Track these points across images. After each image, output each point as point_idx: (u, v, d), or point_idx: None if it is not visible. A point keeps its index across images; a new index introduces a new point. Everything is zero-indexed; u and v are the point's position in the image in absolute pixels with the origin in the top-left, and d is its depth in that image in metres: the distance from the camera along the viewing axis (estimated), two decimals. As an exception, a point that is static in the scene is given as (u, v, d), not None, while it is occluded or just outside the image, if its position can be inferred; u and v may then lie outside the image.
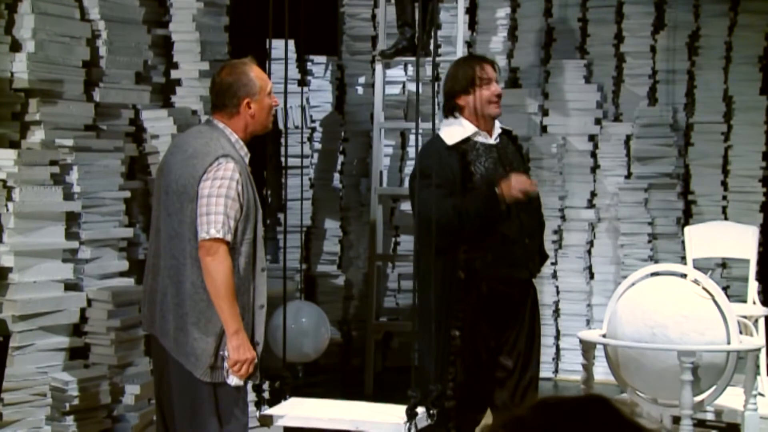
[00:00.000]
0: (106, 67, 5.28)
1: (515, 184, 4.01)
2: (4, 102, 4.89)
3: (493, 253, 4.04)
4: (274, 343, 5.74)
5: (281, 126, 6.91)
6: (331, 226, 7.15)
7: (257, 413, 3.84)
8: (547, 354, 6.79)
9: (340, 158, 7.21)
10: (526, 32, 7.14)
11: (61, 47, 5.03)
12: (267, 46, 6.87)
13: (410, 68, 7.03)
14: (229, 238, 3.51)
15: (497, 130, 4.20)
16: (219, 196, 3.51)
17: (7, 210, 4.70)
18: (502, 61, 7.10)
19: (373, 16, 7.10)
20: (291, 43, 6.41)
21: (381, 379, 6.50)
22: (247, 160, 3.68)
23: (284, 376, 4.04)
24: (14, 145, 4.90)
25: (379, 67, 6.53)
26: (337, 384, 6.56)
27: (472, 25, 7.19)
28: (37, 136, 4.96)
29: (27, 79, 4.88)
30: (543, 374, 6.78)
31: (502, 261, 4.06)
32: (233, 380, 3.53)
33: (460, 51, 6.46)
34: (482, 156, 4.11)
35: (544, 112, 7.05)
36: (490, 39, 7.14)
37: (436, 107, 6.56)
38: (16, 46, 4.92)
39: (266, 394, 4.04)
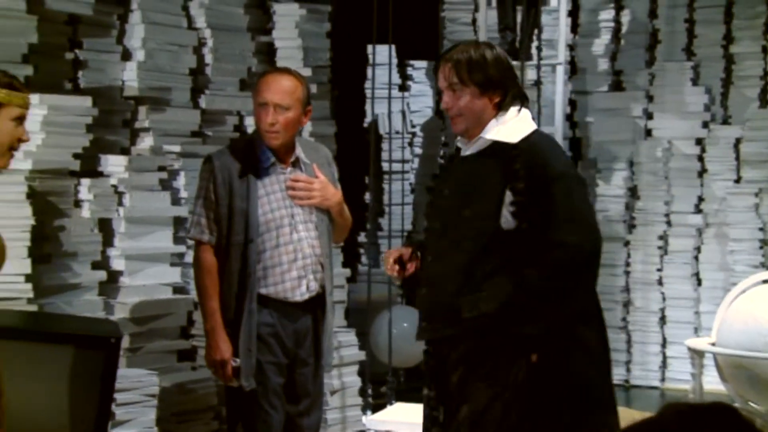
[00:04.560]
0: (211, 74, 5.37)
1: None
2: (115, 110, 5.02)
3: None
4: (377, 348, 5.75)
5: (382, 131, 6.94)
6: (432, 231, 7.13)
7: (363, 417, 3.85)
8: (653, 363, 6.68)
9: (441, 162, 7.20)
10: (631, 34, 7.02)
11: (169, 55, 5.14)
12: (368, 52, 6.95)
13: (511, 72, 6.97)
14: (202, 237, 3.72)
15: (479, 142, 3.11)
16: (195, 197, 3.80)
17: (118, 215, 4.81)
18: (605, 63, 7.00)
19: (474, 21, 7.08)
20: (392, 48, 6.44)
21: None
22: (267, 164, 3.76)
23: (389, 381, 4.06)
24: (125, 151, 5.03)
25: (480, 71, 6.49)
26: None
27: (575, 27, 7.11)
28: (146, 142, 5.08)
29: (137, 87, 5.00)
30: (650, 383, 6.69)
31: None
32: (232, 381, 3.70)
33: (562, 54, 6.40)
34: (447, 173, 3.31)
35: (649, 116, 6.93)
36: (592, 42, 7.05)
37: (540, 110, 6.51)
38: (126, 56, 5.04)
39: (371, 399, 4.05)
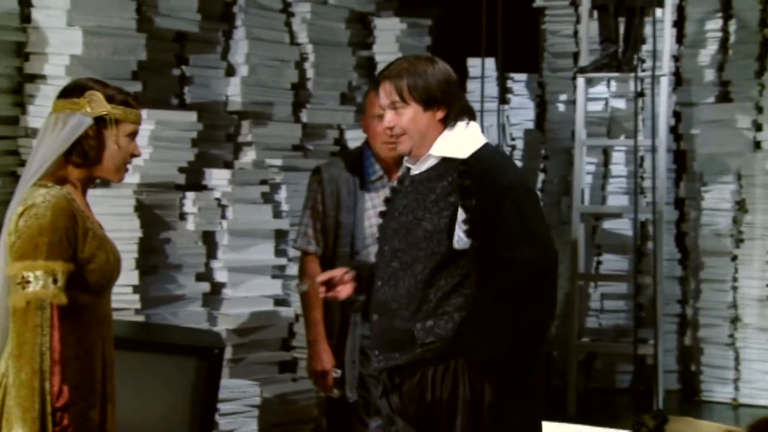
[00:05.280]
0: (312, 88, 5.44)
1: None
2: (219, 124, 5.12)
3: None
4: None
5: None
6: (532, 244, 7.07)
7: None
8: (762, 381, 6.47)
9: (541, 176, 7.13)
10: (740, 44, 6.84)
11: (272, 71, 5.22)
12: (468, 65, 6.94)
13: (613, 84, 6.88)
14: (309, 248, 3.78)
15: (427, 161, 2.97)
16: (303, 208, 3.87)
17: (222, 227, 4.90)
18: (711, 74, 6.84)
19: (576, 33, 7.00)
20: (491, 61, 6.42)
21: (584, 400, 6.37)
22: (373, 177, 3.80)
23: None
24: (228, 165, 5.12)
25: (580, 83, 6.43)
26: (537, 404, 6.47)
27: (680, 38, 6.97)
28: (248, 156, 5.16)
29: (240, 102, 5.10)
30: (758, 401, 6.48)
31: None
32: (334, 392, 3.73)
33: (666, 66, 6.28)
34: (398, 196, 3.10)
35: (758, 127, 6.74)
36: (698, 52, 6.90)
37: (640, 124, 6.40)
38: (230, 71, 5.14)
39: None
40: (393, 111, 2.93)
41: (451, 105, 2.93)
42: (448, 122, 2.93)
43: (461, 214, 2.86)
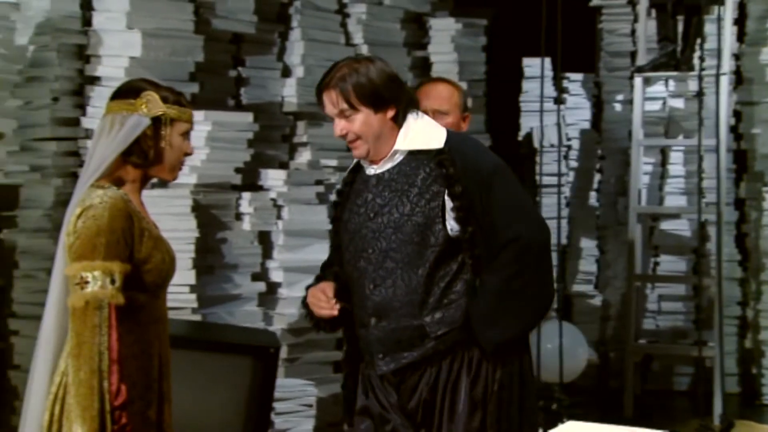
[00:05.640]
0: (368, 89, 5.44)
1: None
2: (275, 125, 5.15)
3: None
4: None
5: (536, 144, 6.88)
6: (588, 245, 7.02)
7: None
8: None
9: (597, 176, 7.07)
10: (804, 41, 6.73)
11: (328, 71, 5.24)
12: (523, 65, 6.91)
13: (671, 84, 6.80)
14: None
15: (394, 157, 2.93)
16: None
17: (277, 227, 4.93)
18: (772, 73, 6.72)
19: (633, 32, 6.93)
20: (547, 60, 6.38)
21: (641, 402, 6.32)
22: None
23: (561, 399, 3.98)
24: (283, 165, 5.15)
25: (638, 83, 6.36)
26: (594, 406, 6.43)
27: (740, 36, 6.87)
28: (304, 157, 5.19)
29: (296, 102, 5.13)
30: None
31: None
32: None
33: (727, 64, 6.19)
34: (358, 197, 3.00)
35: (823, 128, 6.62)
36: (760, 50, 6.79)
37: (702, 123, 6.31)
38: (286, 72, 5.18)
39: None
40: (343, 119, 2.87)
41: (400, 101, 2.89)
42: (399, 119, 2.89)
43: (449, 203, 2.85)
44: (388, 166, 2.91)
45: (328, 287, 2.97)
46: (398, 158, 2.91)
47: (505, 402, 2.90)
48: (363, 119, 2.86)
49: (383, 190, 2.91)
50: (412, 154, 2.90)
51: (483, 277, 2.87)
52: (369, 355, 2.95)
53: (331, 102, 2.86)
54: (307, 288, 3.05)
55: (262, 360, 3.89)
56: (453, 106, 3.73)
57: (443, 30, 5.77)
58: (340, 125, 2.87)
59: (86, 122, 4.52)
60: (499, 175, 2.89)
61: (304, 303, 3.05)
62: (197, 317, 4.46)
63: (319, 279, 3.08)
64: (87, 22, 4.58)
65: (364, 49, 5.43)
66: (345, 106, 2.84)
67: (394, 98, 2.88)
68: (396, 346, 2.89)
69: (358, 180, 2.99)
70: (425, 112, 3.63)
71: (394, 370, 2.91)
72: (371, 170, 2.94)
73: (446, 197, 2.85)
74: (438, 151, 2.88)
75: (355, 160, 3.05)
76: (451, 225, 2.86)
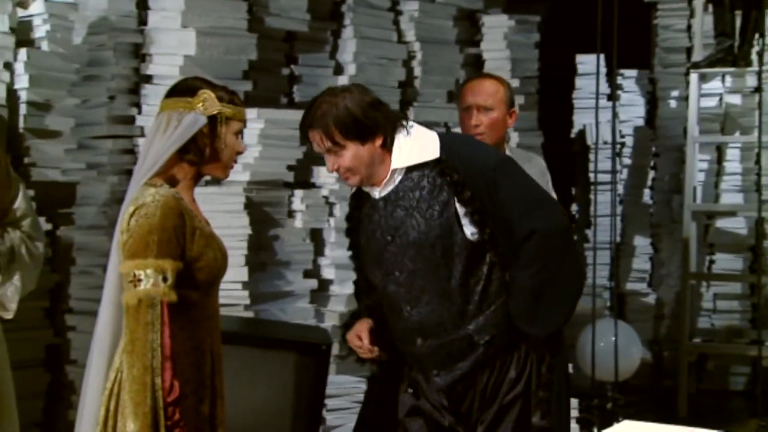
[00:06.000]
0: (420, 86, 5.45)
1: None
2: (327, 122, 5.17)
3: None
4: (584, 362, 5.66)
5: (589, 142, 6.83)
6: (641, 243, 6.95)
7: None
8: None
9: (651, 174, 7.01)
10: None
11: (380, 69, 5.25)
12: (576, 62, 6.86)
13: (728, 80, 6.71)
14: None
15: (394, 177, 2.92)
16: None
17: (329, 225, 4.95)
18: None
19: (689, 27, 6.85)
20: (601, 57, 6.32)
21: (695, 401, 6.25)
22: None
23: (616, 398, 3.95)
24: (336, 163, 5.17)
25: (694, 79, 6.29)
26: (647, 405, 6.37)
27: (800, 31, 6.75)
28: (356, 154, 5.20)
29: (348, 100, 5.13)
30: None
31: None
32: None
33: (785, 59, 6.09)
34: (369, 221, 3.01)
35: None
36: (818, 45, 6.67)
37: (758, 120, 6.21)
38: (338, 70, 5.20)
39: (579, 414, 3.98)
40: (332, 156, 2.86)
41: (384, 127, 2.86)
42: (388, 143, 2.87)
43: (461, 209, 2.85)
44: (391, 186, 2.91)
45: (364, 331, 3.00)
46: (398, 177, 2.90)
47: (554, 395, 2.93)
48: (352, 154, 2.85)
49: (393, 212, 2.91)
50: (412, 168, 2.89)
51: (512, 274, 2.88)
52: (421, 371, 2.98)
53: (317, 141, 2.87)
54: (346, 325, 3.10)
55: (313, 357, 3.90)
56: (498, 101, 3.71)
57: (496, 27, 5.74)
58: (330, 161, 2.88)
59: (141, 120, 4.58)
60: (502, 171, 2.88)
61: (344, 339, 3.10)
62: (249, 314, 4.49)
63: (354, 313, 3.12)
64: (143, 21, 4.64)
65: (417, 47, 5.43)
66: (330, 144, 2.84)
67: (379, 126, 2.85)
68: (447, 359, 2.91)
69: (366, 204, 2.98)
70: (470, 108, 3.64)
71: (452, 383, 2.93)
72: (376, 193, 2.93)
73: (457, 204, 2.85)
74: (437, 160, 2.87)
75: (353, 189, 3.04)
76: (469, 229, 2.86)
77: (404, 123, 2.92)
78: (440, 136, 2.94)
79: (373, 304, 3.05)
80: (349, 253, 3.13)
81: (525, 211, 2.85)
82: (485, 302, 2.89)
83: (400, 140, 2.88)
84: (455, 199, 2.85)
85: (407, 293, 2.90)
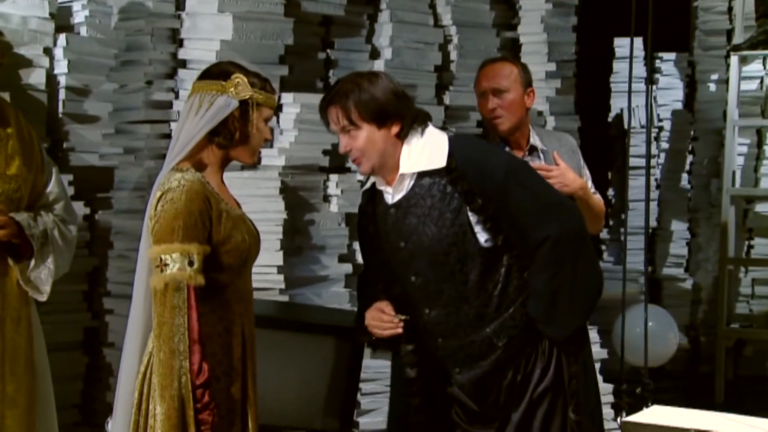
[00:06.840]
0: (456, 70, 5.43)
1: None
2: (362, 107, 5.17)
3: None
4: (619, 347, 5.64)
5: (626, 126, 6.79)
6: (679, 227, 6.91)
7: (617, 419, 3.76)
8: None
9: (689, 158, 6.95)
10: None
11: (416, 53, 5.23)
12: (614, 45, 6.80)
13: (769, 62, 6.64)
14: None
15: (404, 183, 2.93)
16: None
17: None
18: None
19: (730, 9, 6.77)
20: (639, 40, 6.26)
21: (733, 387, 6.21)
22: None
23: (646, 383, 3.93)
24: (371, 147, 5.17)
25: (734, 61, 6.22)
26: (683, 391, 6.34)
27: None
28: (391, 138, 5.20)
29: (384, 84, 5.13)
30: None
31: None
32: None
33: (827, 42, 6.01)
34: (385, 225, 3.00)
35: None
36: None
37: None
38: (375, 54, 5.19)
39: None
40: (346, 135, 2.85)
41: (404, 117, 2.84)
42: (404, 135, 2.85)
43: (473, 217, 2.84)
44: (402, 193, 2.90)
45: (386, 306, 2.99)
46: (408, 182, 2.89)
47: (582, 390, 2.94)
48: (366, 136, 2.83)
49: (404, 217, 2.90)
50: (422, 174, 2.88)
51: (528, 279, 2.89)
52: (443, 368, 3.00)
53: (333, 119, 2.85)
54: (358, 316, 3.08)
55: (348, 341, 3.92)
56: (513, 82, 3.68)
57: (533, 10, 5.70)
58: (343, 142, 2.87)
59: (178, 105, 4.60)
60: (512, 178, 2.87)
61: (357, 330, 3.09)
62: (284, 298, 4.52)
63: (364, 301, 3.08)
64: (180, 6, 4.67)
65: (453, 30, 5.40)
66: (346, 122, 2.83)
67: (398, 114, 2.84)
68: (468, 359, 2.94)
69: (378, 208, 2.97)
70: (485, 93, 3.62)
71: (472, 381, 2.95)
72: (388, 197, 2.93)
73: (469, 213, 2.85)
74: (447, 169, 2.86)
75: (366, 186, 3.04)
76: (483, 236, 2.86)
77: (422, 123, 2.89)
78: (451, 141, 2.92)
79: (380, 293, 3.04)
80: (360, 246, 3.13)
81: (537, 219, 2.86)
82: (503, 305, 2.89)
83: (412, 142, 2.87)
84: (467, 207, 2.85)
85: (425, 296, 2.92)
